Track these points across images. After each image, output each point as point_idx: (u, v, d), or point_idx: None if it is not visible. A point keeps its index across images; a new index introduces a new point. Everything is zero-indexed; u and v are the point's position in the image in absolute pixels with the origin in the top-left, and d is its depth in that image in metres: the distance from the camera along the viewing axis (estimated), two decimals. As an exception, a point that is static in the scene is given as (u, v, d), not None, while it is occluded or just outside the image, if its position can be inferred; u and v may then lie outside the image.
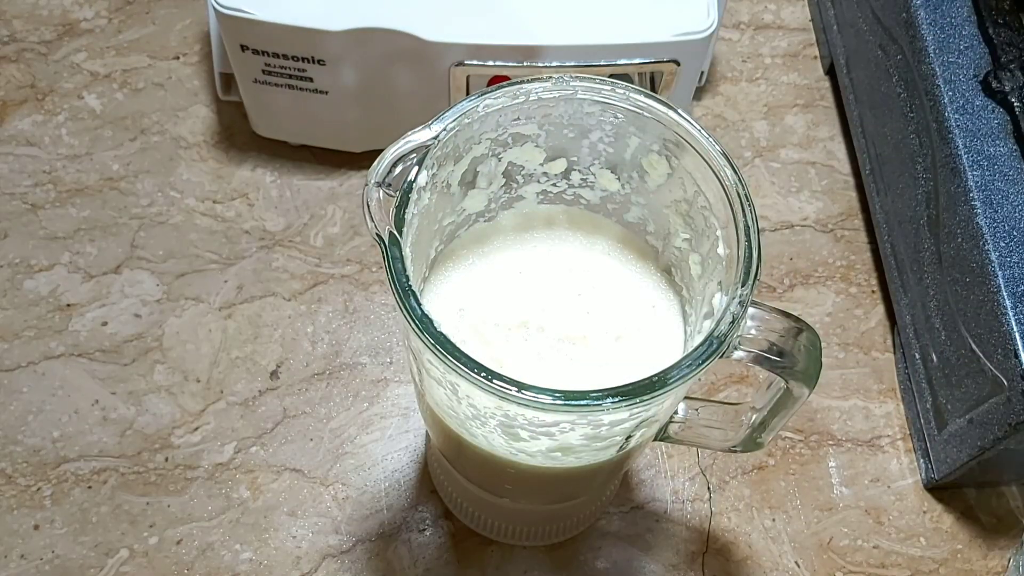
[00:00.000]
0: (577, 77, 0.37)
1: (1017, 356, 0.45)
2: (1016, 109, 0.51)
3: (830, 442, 0.56)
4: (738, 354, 0.34)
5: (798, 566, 0.52)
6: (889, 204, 0.58)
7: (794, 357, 0.35)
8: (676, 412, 0.43)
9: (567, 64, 0.53)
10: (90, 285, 0.57)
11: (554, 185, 0.42)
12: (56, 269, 0.58)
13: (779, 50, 0.69)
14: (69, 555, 0.50)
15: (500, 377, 0.31)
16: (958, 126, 0.51)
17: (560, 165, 0.41)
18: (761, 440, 0.42)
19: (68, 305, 0.57)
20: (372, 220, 0.34)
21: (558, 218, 0.43)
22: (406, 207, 0.34)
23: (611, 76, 0.42)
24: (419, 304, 0.32)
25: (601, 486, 0.49)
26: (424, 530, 0.52)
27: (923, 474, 0.55)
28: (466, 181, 0.39)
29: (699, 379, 0.51)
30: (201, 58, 0.65)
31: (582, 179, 0.41)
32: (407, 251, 0.34)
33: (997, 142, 0.50)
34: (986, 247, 0.48)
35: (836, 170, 0.65)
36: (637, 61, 0.53)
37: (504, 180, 0.41)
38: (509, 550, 0.52)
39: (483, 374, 0.31)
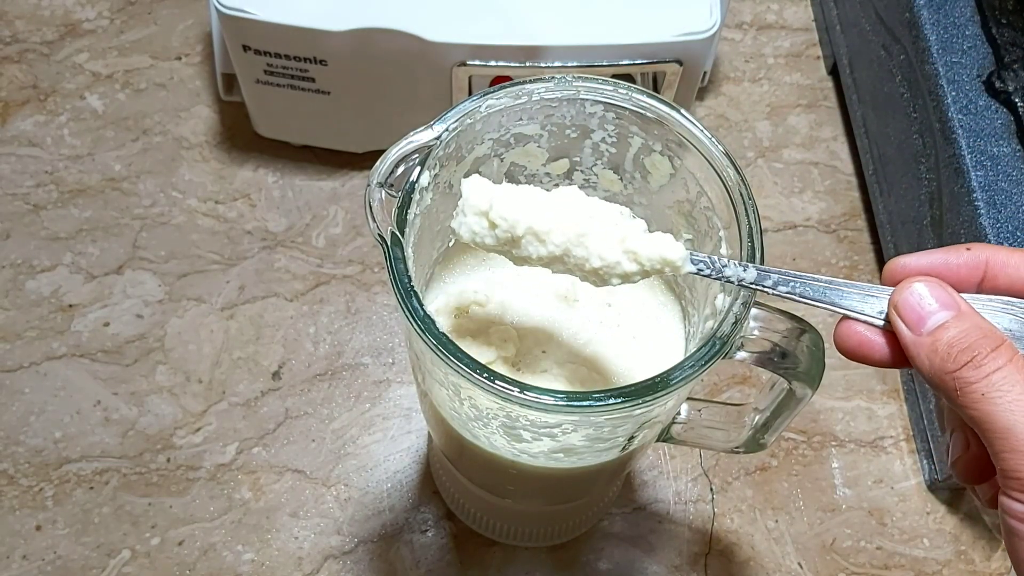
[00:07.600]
0: (579, 77, 0.37)
1: (1021, 357, 0.45)
2: (1019, 109, 0.50)
3: (833, 443, 0.56)
4: (741, 355, 0.34)
5: (801, 567, 0.52)
6: (892, 204, 0.58)
7: (797, 358, 0.35)
8: (679, 413, 0.43)
9: (569, 64, 0.53)
10: (92, 286, 0.57)
11: (556, 186, 0.42)
12: (58, 270, 0.58)
13: (782, 50, 0.69)
14: (71, 556, 0.50)
15: (502, 378, 0.31)
16: (961, 126, 0.50)
17: (562, 166, 0.41)
18: (764, 441, 0.42)
19: (70, 306, 0.57)
20: (374, 220, 0.34)
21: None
22: (408, 207, 0.34)
23: (613, 76, 0.42)
24: (421, 305, 0.32)
25: (604, 487, 0.49)
26: (426, 531, 0.52)
27: (926, 475, 0.55)
28: (468, 181, 0.39)
29: (702, 380, 0.51)
30: (203, 58, 0.65)
31: (584, 180, 0.41)
32: (409, 252, 0.34)
33: (1000, 142, 0.50)
34: (989, 248, 0.47)
35: (839, 170, 0.64)
36: (640, 61, 0.53)
37: (506, 181, 0.41)
38: (511, 551, 0.52)
39: (485, 375, 0.31)
